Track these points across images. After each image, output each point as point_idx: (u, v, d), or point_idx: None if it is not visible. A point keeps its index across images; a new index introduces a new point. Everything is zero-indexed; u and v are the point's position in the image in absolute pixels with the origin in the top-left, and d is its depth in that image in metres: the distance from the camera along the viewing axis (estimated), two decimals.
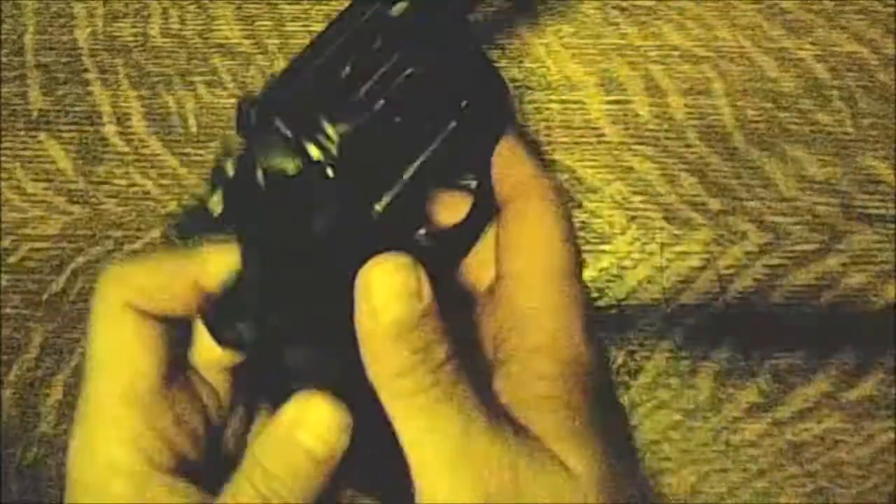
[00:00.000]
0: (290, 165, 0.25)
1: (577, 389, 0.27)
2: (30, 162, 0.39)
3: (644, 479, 0.35)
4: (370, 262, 0.25)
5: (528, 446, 0.25)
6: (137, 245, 0.38)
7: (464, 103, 0.27)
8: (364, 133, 0.26)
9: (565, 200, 0.30)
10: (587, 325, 0.29)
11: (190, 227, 0.27)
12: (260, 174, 0.25)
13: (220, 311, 0.28)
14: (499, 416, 0.26)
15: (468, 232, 0.29)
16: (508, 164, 0.30)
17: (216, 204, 0.26)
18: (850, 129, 0.37)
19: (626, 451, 0.32)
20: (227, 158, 0.26)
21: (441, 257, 0.28)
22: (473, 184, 0.30)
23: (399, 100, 0.26)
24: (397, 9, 0.26)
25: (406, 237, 0.27)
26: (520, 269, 0.29)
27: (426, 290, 0.25)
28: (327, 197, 0.26)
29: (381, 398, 0.26)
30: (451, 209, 0.30)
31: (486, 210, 0.29)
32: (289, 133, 0.25)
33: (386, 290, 0.25)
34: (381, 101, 0.26)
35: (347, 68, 0.26)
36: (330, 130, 0.25)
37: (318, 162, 0.25)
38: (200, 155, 0.39)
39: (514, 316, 0.29)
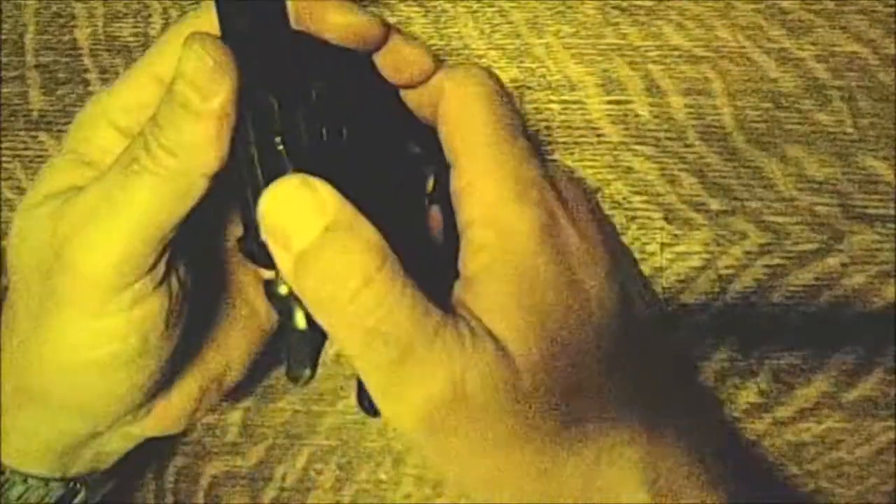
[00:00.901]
0: None
1: (515, 260, 0.26)
2: (30, 162, 0.39)
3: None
4: (263, 194, 0.25)
5: (472, 343, 0.24)
6: None
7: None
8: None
9: (492, 78, 0.28)
10: (523, 190, 0.26)
11: (300, 362, 0.28)
12: None
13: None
14: (444, 319, 0.24)
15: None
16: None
17: (284, 288, 0.27)
18: (850, 129, 0.37)
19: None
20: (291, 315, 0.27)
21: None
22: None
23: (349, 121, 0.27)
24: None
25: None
26: (452, 157, 0.28)
27: (330, 201, 0.24)
28: None
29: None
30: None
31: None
32: None
33: (283, 218, 0.24)
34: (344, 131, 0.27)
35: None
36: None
37: None
38: None
39: (455, 197, 0.27)
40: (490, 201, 0.26)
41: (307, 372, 0.27)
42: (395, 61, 0.28)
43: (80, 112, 0.29)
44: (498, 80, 0.28)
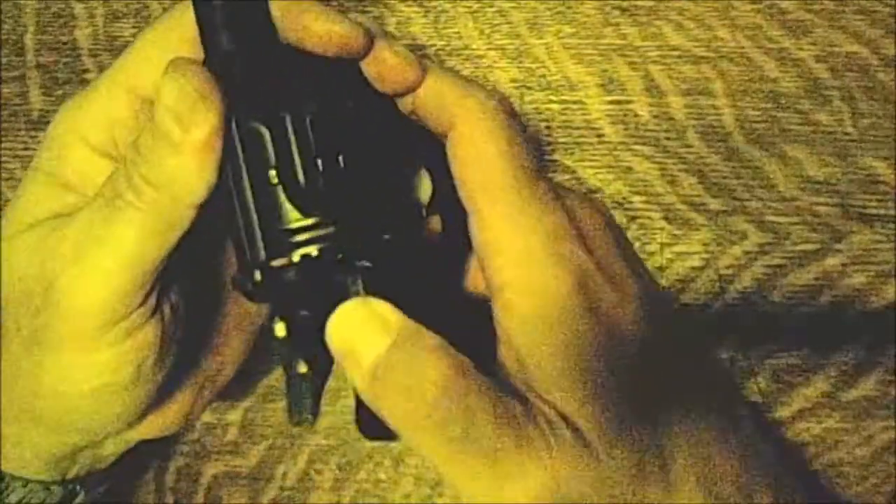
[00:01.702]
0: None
1: (560, 329, 0.25)
2: (30, 162, 0.39)
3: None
4: (329, 323, 0.25)
5: (552, 433, 0.24)
6: None
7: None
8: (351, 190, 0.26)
9: (505, 111, 0.27)
10: (554, 246, 0.25)
11: (299, 404, 0.27)
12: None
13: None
14: (524, 414, 0.24)
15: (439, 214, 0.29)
16: (436, 97, 0.27)
17: (280, 330, 0.26)
18: (850, 129, 0.37)
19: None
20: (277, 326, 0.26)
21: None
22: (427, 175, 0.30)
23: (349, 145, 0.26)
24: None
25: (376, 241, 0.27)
26: (471, 204, 0.26)
27: (391, 318, 0.24)
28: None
29: None
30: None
31: (448, 191, 0.29)
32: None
33: (350, 341, 0.24)
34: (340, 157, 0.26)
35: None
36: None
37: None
38: None
39: (479, 248, 0.26)
40: (521, 262, 0.25)
41: (309, 416, 0.27)
42: (380, 70, 0.27)
43: (51, 125, 0.28)
44: (511, 109, 0.27)
